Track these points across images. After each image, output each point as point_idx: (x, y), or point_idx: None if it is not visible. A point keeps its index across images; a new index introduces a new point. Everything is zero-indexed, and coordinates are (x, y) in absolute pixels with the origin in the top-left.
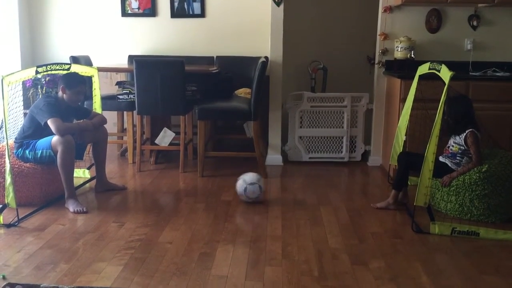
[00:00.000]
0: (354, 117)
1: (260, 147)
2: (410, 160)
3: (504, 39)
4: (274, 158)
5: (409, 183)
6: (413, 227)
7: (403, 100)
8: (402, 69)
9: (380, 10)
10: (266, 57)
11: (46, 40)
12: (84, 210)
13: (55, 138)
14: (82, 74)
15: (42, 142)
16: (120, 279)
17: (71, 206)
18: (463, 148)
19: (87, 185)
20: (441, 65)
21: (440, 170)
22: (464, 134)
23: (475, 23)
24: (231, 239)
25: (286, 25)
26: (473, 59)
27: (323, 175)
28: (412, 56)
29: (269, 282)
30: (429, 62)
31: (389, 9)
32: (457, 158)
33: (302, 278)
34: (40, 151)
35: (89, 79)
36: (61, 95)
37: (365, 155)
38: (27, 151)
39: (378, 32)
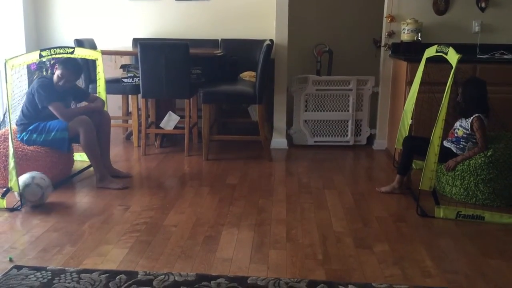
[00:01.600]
0: (359, 101)
1: (265, 130)
2: (415, 144)
3: None
4: (279, 141)
5: (414, 167)
6: (418, 211)
7: (409, 83)
8: (409, 52)
9: None
10: (271, 40)
11: (50, 23)
12: (126, 186)
13: (73, 121)
14: (86, 57)
15: (55, 124)
16: (126, 262)
17: (112, 185)
18: (467, 132)
19: (91, 169)
20: (448, 47)
21: (444, 155)
22: (471, 119)
23: (483, 4)
24: (235, 222)
25: (291, 7)
26: (481, 42)
27: (328, 158)
28: (419, 38)
29: (273, 265)
30: (436, 45)
31: None
32: (461, 143)
33: (306, 261)
34: (54, 133)
35: (93, 62)
36: (55, 77)
37: (371, 138)
38: (34, 135)
39: (385, 14)
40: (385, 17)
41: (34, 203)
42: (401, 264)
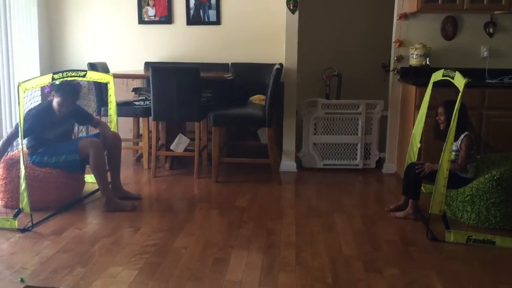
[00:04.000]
0: (368, 124)
1: (274, 153)
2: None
3: None
4: (288, 164)
5: (423, 190)
6: (428, 235)
7: (418, 107)
8: (417, 76)
9: (396, 17)
10: (280, 64)
11: (64, 46)
12: (134, 205)
13: (82, 142)
14: (99, 80)
15: (64, 147)
16: (136, 284)
17: (120, 207)
18: (459, 152)
19: None
20: (455, 72)
21: (450, 181)
22: (460, 139)
23: (491, 30)
24: (245, 245)
25: (300, 32)
26: (489, 66)
27: (337, 182)
28: (428, 63)
29: None
30: (443, 69)
31: (404, 16)
32: (455, 163)
33: (316, 285)
34: (65, 156)
35: (105, 85)
36: (53, 102)
37: (380, 162)
38: (45, 157)
39: (393, 39)
40: (394, 42)
41: None
42: None
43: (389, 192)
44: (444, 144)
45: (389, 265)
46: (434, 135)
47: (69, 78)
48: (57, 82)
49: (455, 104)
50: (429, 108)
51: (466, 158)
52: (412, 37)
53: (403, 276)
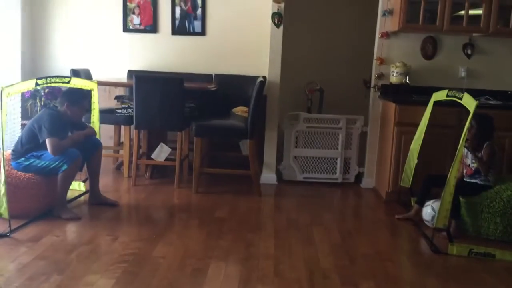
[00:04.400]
0: (348, 139)
1: (255, 165)
2: (436, 179)
3: (497, 68)
4: (268, 176)
5: (412, 203)
6: (432, 248)
7: (398, 124)
8: (397, 94)
9: (377, 35)
10: (264, 77)
11: (47, 52)
12: (78, 216)
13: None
14: (82, 87)
15: (48, 157)
16: None
17: (64, 214)
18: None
19: (82, 198)
20: (463, 93)
21: (470, 189)
22: (483, 149)
23: (469, 51)
24: (223, 256)
25: (284, 46)
26: (467, 87)
27: (317, 195)
28: (407, 81)
29: None
30: (447, 90)
31: (386, 35)
32: (482, 174)
33: None
34: (57, 163)
35: (88, 93)
36: (64, 111)
37: (359, 177)
38: (36, 161)
39: (375, 57)
40: (375, 59)
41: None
42: None
43: (367, 207)
44: (453, 163)
45: (364, 279)
46: (470, 150)
47: (53, 84)
48: (39, 88)
49: (488, 118)
50: (429, 125)
51: (489, 161)
52: (393, 55)
53: None
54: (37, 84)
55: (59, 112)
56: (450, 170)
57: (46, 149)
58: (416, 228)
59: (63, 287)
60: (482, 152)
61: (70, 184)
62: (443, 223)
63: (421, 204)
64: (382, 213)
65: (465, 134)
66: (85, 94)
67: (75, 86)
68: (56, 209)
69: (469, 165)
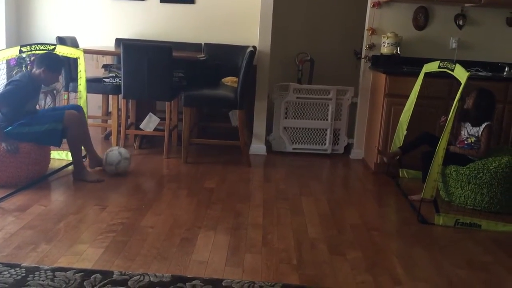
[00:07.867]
0: (338, 110)
1: (245, 136)
2: (431, 139)
3: (488, 39)
4: (258, 147)
5: (406, 175)
6: (419, 218)
7: (388, 95)
8: (388, 65)
9: (369, 5)
10: (254, 47)
11: (32, 19)
12: (102, 179)
13: (68, 113)
14: (68, 55)
15: (48, 116)
16: (101, 262)
17: (89, 177)
18: (478, 139)
19: (70, 167)
20: (454, 64)
21: (458, 160)
22: (482, 127)
23: (461, 22)
24: (212, 225)
25: (275, 16)
26: (457, 58)
27: (306, 166)
28: (398, 52)
29: (248, 269)
30: (438, 61)
31: (377, 5)
32: (475, 149)
33: (281, 265)
34: (48, 125)
35: (74, 61)
36: (38, 74)
37: (348, 148)
38: (26, 127)
39: (366, 27)
40: (367, 29)
41: (111, 170)
42: (372, 271)
43: (356, 178)
44: (442, 134)
45: (352, 248)
46: (459, 118)
47: (37, 52)
48: (24, 55)
49: (489, 93)
50: (419, 97)
51: (487, 147)
52: (384, 25)
53: (365, 259)
54: (21, 51)
55: (29, 78)
56: (440, 140)
57: (28, 114)
58: (404, 199)
59: (51, 256)
60: (481, 133)
61: (79, 145)
62: (431, 193)
63: (404, 151)
64: (370, 184)
65: (455, 106)
66: (63, 62)
67: (60, 53)
68: (78, 173)
69: (463, 139)
